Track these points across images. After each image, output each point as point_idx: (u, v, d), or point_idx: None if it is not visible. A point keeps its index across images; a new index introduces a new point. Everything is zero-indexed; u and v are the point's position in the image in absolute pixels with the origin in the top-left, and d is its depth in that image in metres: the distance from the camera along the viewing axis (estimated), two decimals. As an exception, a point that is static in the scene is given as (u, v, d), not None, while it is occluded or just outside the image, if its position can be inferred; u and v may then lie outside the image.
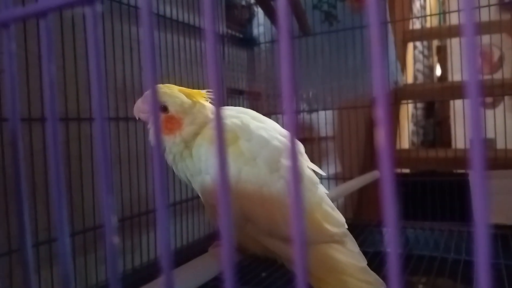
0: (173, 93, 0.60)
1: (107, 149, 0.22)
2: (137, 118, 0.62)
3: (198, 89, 0.64)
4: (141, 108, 0.61)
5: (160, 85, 0.61)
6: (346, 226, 0.63)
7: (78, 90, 0.85)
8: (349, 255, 0.60)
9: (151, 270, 0.98)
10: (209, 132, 0.59)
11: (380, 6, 0.18)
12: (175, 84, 0.63)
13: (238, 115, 0.62)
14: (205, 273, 0.55)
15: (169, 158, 0.62)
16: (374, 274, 0.60)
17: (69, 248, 0.24)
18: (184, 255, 0.60)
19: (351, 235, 0.63)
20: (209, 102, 0.63)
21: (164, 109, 0.60)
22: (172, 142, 0.60)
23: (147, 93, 0.59)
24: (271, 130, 0.61)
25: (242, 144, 0.58)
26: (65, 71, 0.81)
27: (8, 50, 0.24)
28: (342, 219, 0.62)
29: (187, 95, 0.61)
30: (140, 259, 1.02)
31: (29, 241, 0.25)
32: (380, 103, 0.18)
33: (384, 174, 0.17)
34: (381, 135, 0.17)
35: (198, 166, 0.59)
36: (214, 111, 0.63)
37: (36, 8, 0.22)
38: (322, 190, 0.64)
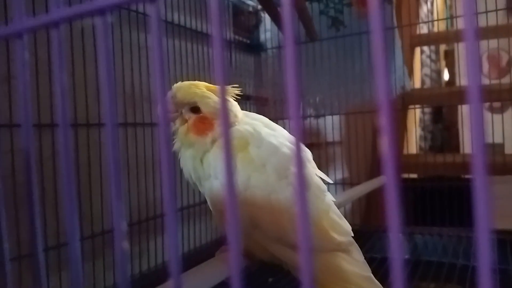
0: (204, 93, 0.59)
1: (117, 155, 0.22)
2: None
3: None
4: (167, 107, 0.60)
5: (187, 83, 0.61)
6: (352, 235, 0.62)
7: (87, 96, 0.86)
8: (354, 264, 0.60)
9: (159, 275, 0.98)
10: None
11: (382, 13, 0.19)
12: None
13: (251, 122, 0.62)
14: (213, 278, 0.55)
15: (186, 153, 0.61)
16: (379, 283, 0.60)
17: (79, 253, 0.24)
18: (191, 260, 0.60)
19: (357, 244, 0.63)
20: (234, 99, 0.63)
21: (196, 109, 0.60)
22: (203, 143, 0.59)
23: (172, 92, 0.60)
24: (281, 138, 0.61)
25: (251, 151, 0.58)
26: (75, 77, 0.82)
27: (21, 59, 0.24)
28: (348, 227, 0.62)
29: (215, 93, 0.60)
30: (148, 263, 1.02)
31: (40, 246, 0.26)
32: (383, 110, 0.18)
33: (388, 182, 0.18)
34: (384, 143, 0.18)
35: (208, 171, 0.59)
36: (239, 110, 0.63)
37: (48, 19, 0.22)
38: (329, 198, 0.64)
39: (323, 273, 0.58)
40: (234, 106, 0.63)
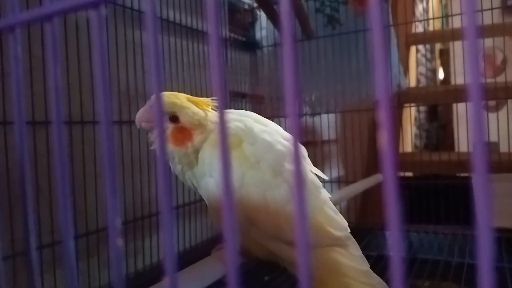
0: (183, 103, 0.59)
1: (112, 152, 0.22)
2: (138, 127, 0.60)
3: (202, 92, 0.63)
4: (144, 117, 0.59)
5: (167, 93, 0.60)
6: (349, 230, 0.62)
7: (82, 93, 0.86)
8: (351, 259, 0.60)
9: (154, 273, 0.98)
10: (214, 136, 0.59)
11: (382, 10, 0.19)
12: (178, 88, 0.62)
13: (241, 118, 0.61)
14: (209, 276, 0.55)
15: (177, 168, 0.61)
16: (377, 277, 0.60)
17: (73, 251, 0.24)
18: (187, 258, 0.60)
19: (354, 239, 0.63)
20: (214, 110, 0.62)
21: (174, 119, 0.59)
22: (183, 153, 0.59)
23: (150, 102, 0.59)
24: (275, 134, 0.61)
25: (245, 148, 0.58)
26: (69, 74, 0.82)
27: (14, 54, 0.24)
28: (345, 223, 0.62)
29: (196, 104, 0.60)
30: (143, 262, 1.02)
31: (33, 244, 0.26)
32: (382, 107, 0.18)
33: (387, 177, 0.17)
34: (383, 139, 0.18)
35: (202, 169, 0.59)
36: (217, 115, 0.63)
37: (42, 12, 0.22)
38: (325, 194, 0.64)
39: (320, 269, 0.58)
40: (213, 116, 0.61)
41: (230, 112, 0.64)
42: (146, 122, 0.60)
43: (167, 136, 0.59)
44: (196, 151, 0.59)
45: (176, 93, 0.61)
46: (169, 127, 0.59)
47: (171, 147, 0.59)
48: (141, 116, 0.60)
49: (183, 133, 0.59)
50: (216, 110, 0.63)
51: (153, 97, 0.60)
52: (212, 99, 0.62)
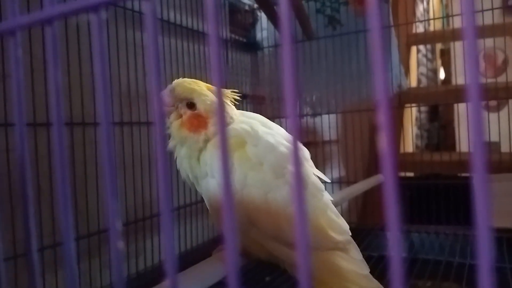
0: (202, 90, 0.60)
1: (112, 154, 0.22)
2: None
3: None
4: (164, 101, 0.60)
5: (188, 80, 0.61)
6: (350, 234, 0.62)
7: (83, 94, 0.86)
8: (352, 262, 0.60)
9: (155, 274, 0.98)
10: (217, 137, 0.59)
11: (381, 10, 0.19)
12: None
13: (249, 121, 0.62)
14: (209, 277, 0.55)
15: (181, 152, 0.61)
16: (376, 281, 0.60)
17: (74, 252, 0.24)
18: (188, 259, 0.60)
19: (355, 243, 0.63)
20: (232, 103, 0.63)
21: (191, 105, 0.60)
22: (195, 140, 0.60)
23: (171, 86, 0.60)
24: (278, 136, 0.61)
25: (248, 149, 0.58)
26: (70, 75, 0.82)
27: (15, 57, 0.24)
28: (346, 226, 0.62)
29: (214, 93, 0.60)
30: (144, 263, 1.02)
31: (35, 246, 0.26)
32: (382, 107, 0.18)
33: (387, 178, 0.17)
34: (383, 140, 0.18)
35: (204, 169, 0.59)
36: (235, 112, 0.64)
37: (42, 16, 0.22)
38: (327, 197, 0.64)
39: (321, 272, 0.58)
40: (230, 107, 0.63)
41: (241, 113, 0.65)
42: (165, 106, 0.60)
43: (183, 121, 0.60)
44: (207, 141, 0.59)
45: (197, 80, 0.62)
46: (186, 113, 0.60)
47: (185, 132, 0.60)
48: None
49: (199, 120, 0.60)
50: (234, 103, 0.63)
51: (174, 81, 0.61)
52: (231, 91, 0.63)
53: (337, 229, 0.60)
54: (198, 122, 0.59)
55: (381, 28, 0.18)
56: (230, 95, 0.63)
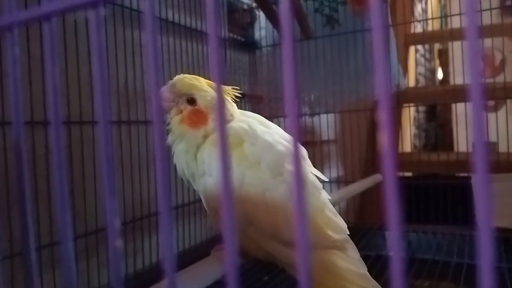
0: (202, 86, 0.60)
1: (110, 153, 0.22)
2: None
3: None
4: (164, 96, 0.60)
5: (189, 76, 0.61)
6: (348, 233, 0.62)
7: (81, 93, 0.85)
8: (349, 262, 0.60)
9: (153, 274, 0.98)
10: (215, 135, 0.59)
11: (382, 10, 0.18)
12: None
13: (247, 120, 0.62)
14: (208, 276, 0.55)
15: (178, 146, 0.61)
16: (374, 281, 0.60)
17: (72, 251, 0.24)
18: (186, 259, 0.60)
19: (352, 242, 0.63)
20: (233, 100, 0.64)
21: (192, 101, 0.60)
22: (194, 136, 0.60)
23: (172, 81, 0.60)
24: (276, 135, 0.61)
25: (246, 148, 0.58)
26: (68, 74, 0.81)
27: (12, 54, 0.24)
28: (344, 225, 0.62)
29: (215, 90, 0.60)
30: (142, 262, 1.02)
31: (32, 245, 0.25)
32: (383, 106, 0.18)
33: (387, 177, 0.17)
34: (384, 138, 0.17)
35: (202, 168, 0.59)
36: (236, 110, 0.64)
37: (40, 12, 0.22)
38: (325, 195, 0.64)
39: (318, 271, 0.58)
40: (231, 105, 0.63)
41: (240, 113, 0.65)
42: (165, 102, 0.60)
43: (183, 117, 0.61)
44: (206, 137, 0.60)
45: (198, 76, 0.62)
46: (186, 108, 0.61)
47: (185, 127, 0.60)
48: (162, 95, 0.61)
49: (199, 116, 0.60)
50: (234, 100, 0.63)
51: (175, 77, 0.61)
52: (232, 88, 0.63)
53: (334, 228, 0.60)
54: (198, 118, 0.60)
55: (383, 27, 0.18)
56: (230, 92, 0.63)
